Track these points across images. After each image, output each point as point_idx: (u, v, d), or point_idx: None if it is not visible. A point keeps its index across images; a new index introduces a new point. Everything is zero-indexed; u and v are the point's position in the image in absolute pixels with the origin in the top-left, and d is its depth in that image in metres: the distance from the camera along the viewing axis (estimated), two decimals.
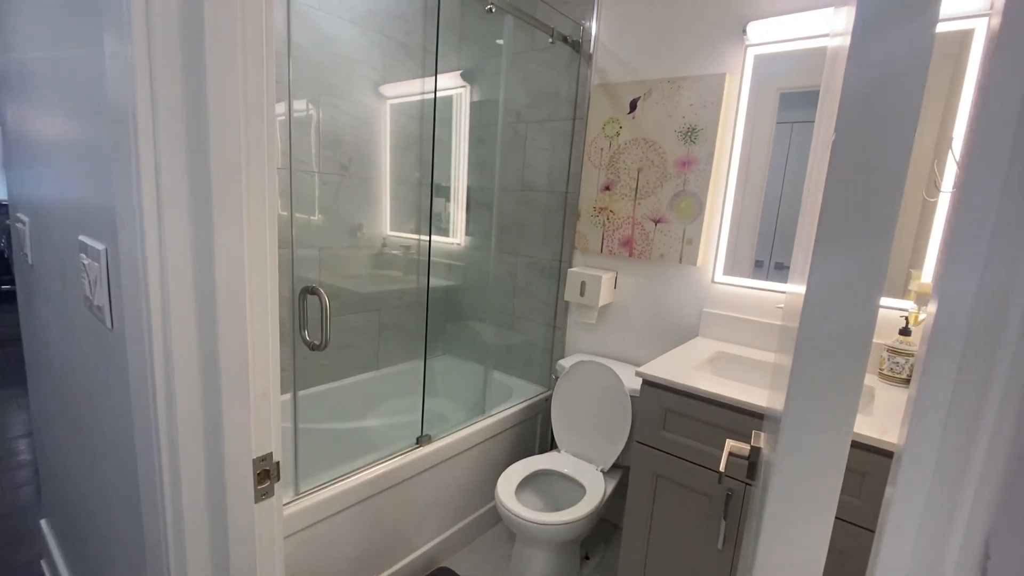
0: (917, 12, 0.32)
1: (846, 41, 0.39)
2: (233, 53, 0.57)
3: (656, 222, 1.80)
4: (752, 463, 0.62)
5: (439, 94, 2.36)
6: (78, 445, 1.08)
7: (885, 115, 0.34)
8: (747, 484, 1.26)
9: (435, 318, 2.58)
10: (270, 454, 0.71)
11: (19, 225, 1.28)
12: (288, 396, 1.56)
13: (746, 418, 1.23)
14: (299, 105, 1.88)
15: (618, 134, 1.87)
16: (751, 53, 1.60)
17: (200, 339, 0.61)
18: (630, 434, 1.72)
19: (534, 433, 2.19)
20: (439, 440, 1.73)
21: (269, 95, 0.61)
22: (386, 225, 2.38)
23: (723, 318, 1.71)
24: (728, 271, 1.70)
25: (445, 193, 2.53)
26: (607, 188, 1.92)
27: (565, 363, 1.96)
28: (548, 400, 2.19)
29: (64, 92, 0.79)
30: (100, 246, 0.71)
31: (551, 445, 2.25)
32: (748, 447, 0.64)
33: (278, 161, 0.67)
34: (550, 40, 1.95)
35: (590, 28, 1.94)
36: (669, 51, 1.76)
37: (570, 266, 2.10)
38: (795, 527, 0.38)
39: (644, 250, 1.84)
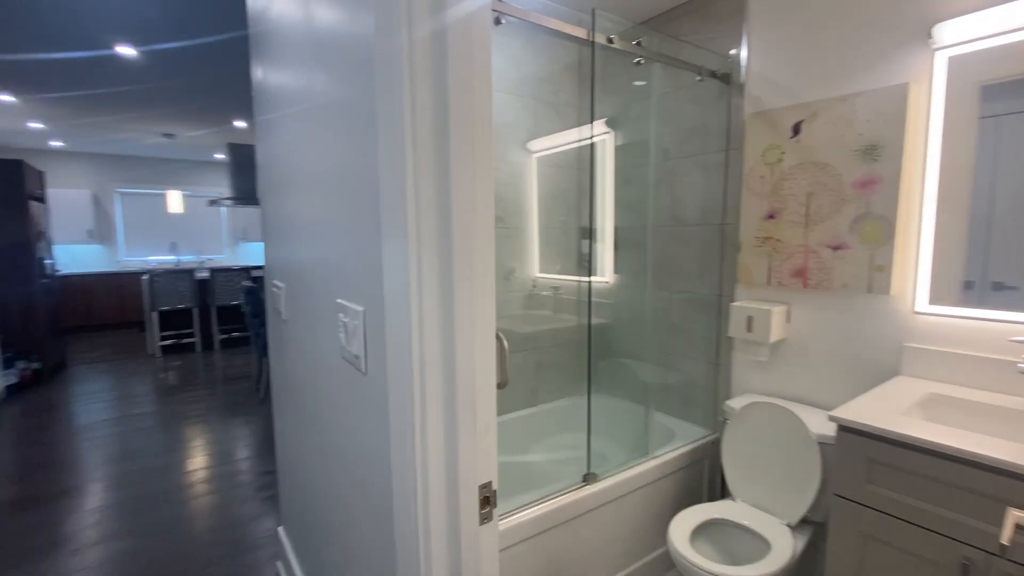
0: None
1: None
2: (470, 151, 0.71)
3: (835, 249, 1.65)
4: None
5: (584, 143, 2.49)
6: (320, 465, 1.32)
7: None
8: (992, 555, 1.06)
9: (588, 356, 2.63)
10: (490, 482, 0.81)
11: (275, 289, 1.66)
12: None
13: (983, 474, 1.04)
14: None
15: (780, 160, 1.78)
16: (941, 56, 1.43)
17: (444, 382, 0.74)
18: (821, 486, 1.55)
19: (701, 479, 2.07)
20: (605, 479, 1.74)
21: (491, 190, 0.74)
22: (535, 268, 2.54)
23: (932, 354, 1.48)
24: (935, 299, 1.48)
25: (591, 234, 2.62)
26: (771, 216, 1.82)
27: (734, 404, 1.85)
28: (715, 444, 2.07)
29: (336, 192, 1.03)
30: (359, 307, 0.91)
31: (722, 493, 2.10)
32: None
33: None
34: (698, 78, 1.96)
35: (739, 57, 1.91)
36: (832, 69, 1.65)
37: (731, 300, 2.01)
38: None
39: (822, 280, 1.69)
